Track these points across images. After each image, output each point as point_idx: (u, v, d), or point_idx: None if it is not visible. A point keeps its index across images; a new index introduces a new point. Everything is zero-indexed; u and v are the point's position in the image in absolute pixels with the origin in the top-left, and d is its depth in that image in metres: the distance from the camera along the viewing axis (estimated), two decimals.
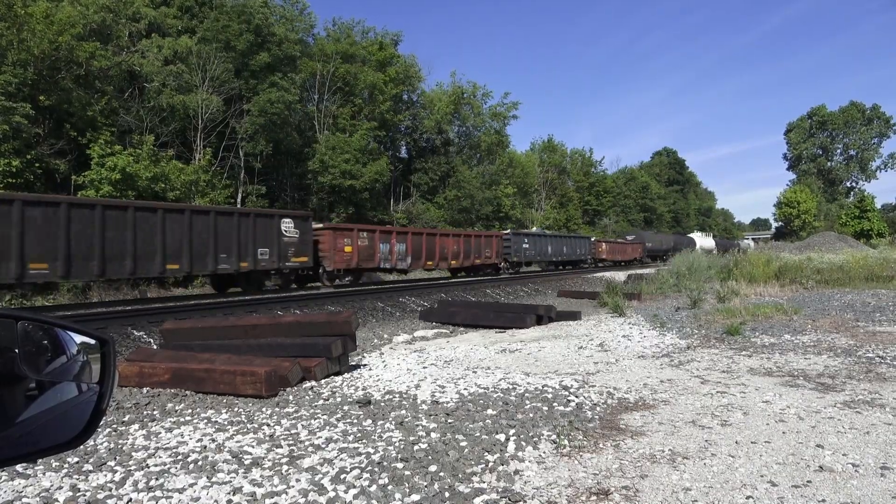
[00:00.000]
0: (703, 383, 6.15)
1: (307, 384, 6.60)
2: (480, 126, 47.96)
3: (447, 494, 3.35)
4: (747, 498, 3.21)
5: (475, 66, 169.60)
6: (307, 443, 4.41)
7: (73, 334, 1.10)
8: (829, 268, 19.40)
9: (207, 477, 3.73)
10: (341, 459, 3.98)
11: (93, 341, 1.14)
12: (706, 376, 6.50)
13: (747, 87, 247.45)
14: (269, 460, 4.04)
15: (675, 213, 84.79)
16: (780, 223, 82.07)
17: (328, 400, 5.84)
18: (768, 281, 18.11)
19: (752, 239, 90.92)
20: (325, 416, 5.14)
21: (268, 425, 4.95)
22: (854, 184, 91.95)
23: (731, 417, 4.80)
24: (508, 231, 32.80)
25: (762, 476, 3.52)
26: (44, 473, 3.85)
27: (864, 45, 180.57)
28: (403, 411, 5.23)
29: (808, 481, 3.43)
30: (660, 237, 56.38)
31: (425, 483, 3.53)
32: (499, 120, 49.25)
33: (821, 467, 3.64)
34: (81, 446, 1.03)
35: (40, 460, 3.90)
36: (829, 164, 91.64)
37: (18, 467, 3.81)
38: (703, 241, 62.88)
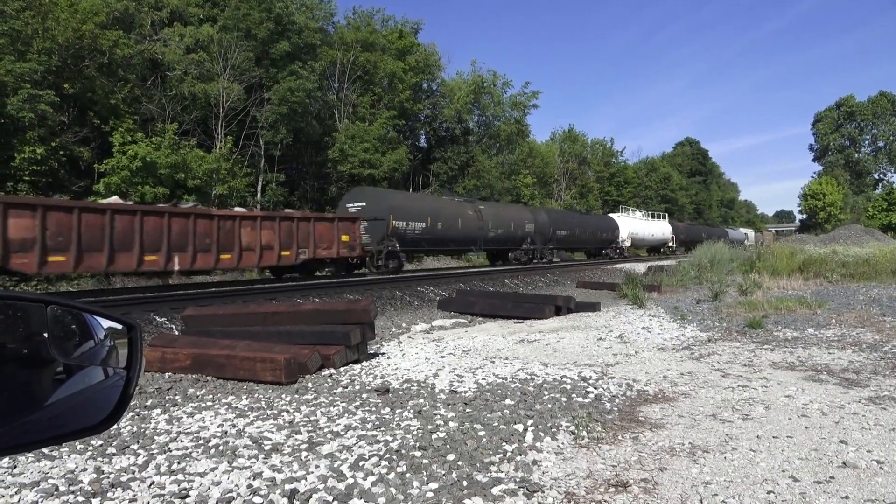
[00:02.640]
0: (724, 377, 6.08)
1: (326, 372, 6.64)
2: (500, 115, 47.57)
3: (465, 483, 3.35)
4: (768, 493, 3.17)
5: (494, 57, 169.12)
6: (326, 430, 4.45)
7: (100, 319, 1.11)
8: (854, 261, 19.06)
9: (228, 462, 3.78)
10: (360, 447, 4.01)
11: (120, 326, 1.14)
12: (727, 370, 6.43)
13: (771, 77, 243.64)
14: (288, 446, 4.08)
15: (696, 205, 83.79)
16: (804, 215, 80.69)
17: (347, 387, 5.88)
18: (792, 274, 17.85)
19: (775, 230, 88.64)
20: (343, 404, 5.18)
21: (287, 412, 5.00)
22: (882, 176, 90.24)
23: (753, 411, 4.74)
24: None
25: (784, 471, 3.47)
26: (69, 455, 3.93)
27: (893, 34, 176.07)
28: (421, 400, 5.24)
29: (830, 477, 3.38)
30: (478, 211, 25.68)
31: (443, 472, 3.54)
32: (519, 109, 48.82)
33: (844, 463, 3.58)
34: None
35: (65, 443, 3.98)
36: (856, 155, 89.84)
37: (44, 449, 3.89)
38: (640, 226, 41.50)
